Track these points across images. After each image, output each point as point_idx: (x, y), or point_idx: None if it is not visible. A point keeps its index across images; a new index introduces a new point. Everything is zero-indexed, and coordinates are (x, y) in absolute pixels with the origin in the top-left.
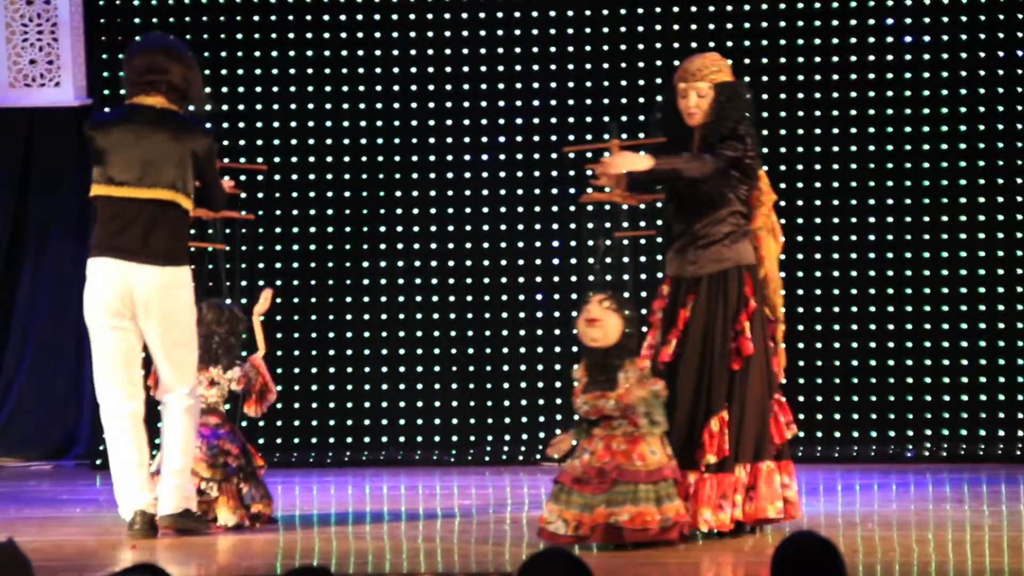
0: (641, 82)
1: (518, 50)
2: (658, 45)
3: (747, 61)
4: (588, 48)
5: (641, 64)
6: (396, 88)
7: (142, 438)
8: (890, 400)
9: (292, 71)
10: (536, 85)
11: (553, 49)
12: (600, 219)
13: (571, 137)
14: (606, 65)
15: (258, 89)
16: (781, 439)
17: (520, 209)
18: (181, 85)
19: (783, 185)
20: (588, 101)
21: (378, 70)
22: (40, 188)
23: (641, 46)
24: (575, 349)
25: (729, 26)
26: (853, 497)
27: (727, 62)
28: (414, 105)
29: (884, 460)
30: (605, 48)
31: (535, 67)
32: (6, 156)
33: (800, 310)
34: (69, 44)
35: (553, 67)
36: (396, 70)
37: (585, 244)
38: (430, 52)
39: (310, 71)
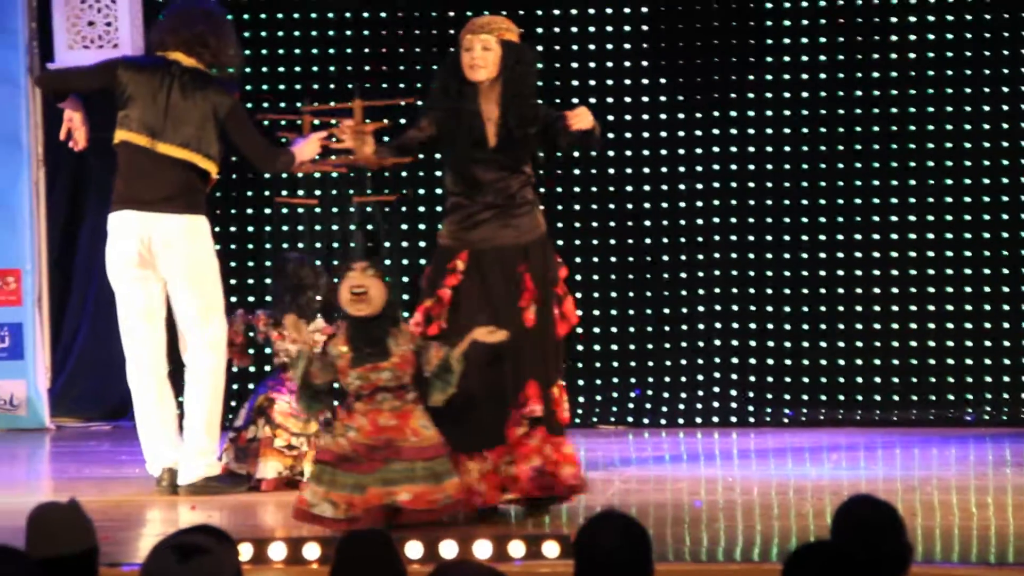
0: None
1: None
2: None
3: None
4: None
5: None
6: None
7: (167, 395)
8: (950, 363)
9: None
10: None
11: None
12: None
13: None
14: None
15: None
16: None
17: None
18: (212, 46)
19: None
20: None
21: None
22: (98, 150)
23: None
24: (631, 312)
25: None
26: (912, 460)
27: (517, 28)
28: None
29: (944, 424)
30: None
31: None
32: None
33: (858, 273)
34: (127, 5)
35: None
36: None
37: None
38: None
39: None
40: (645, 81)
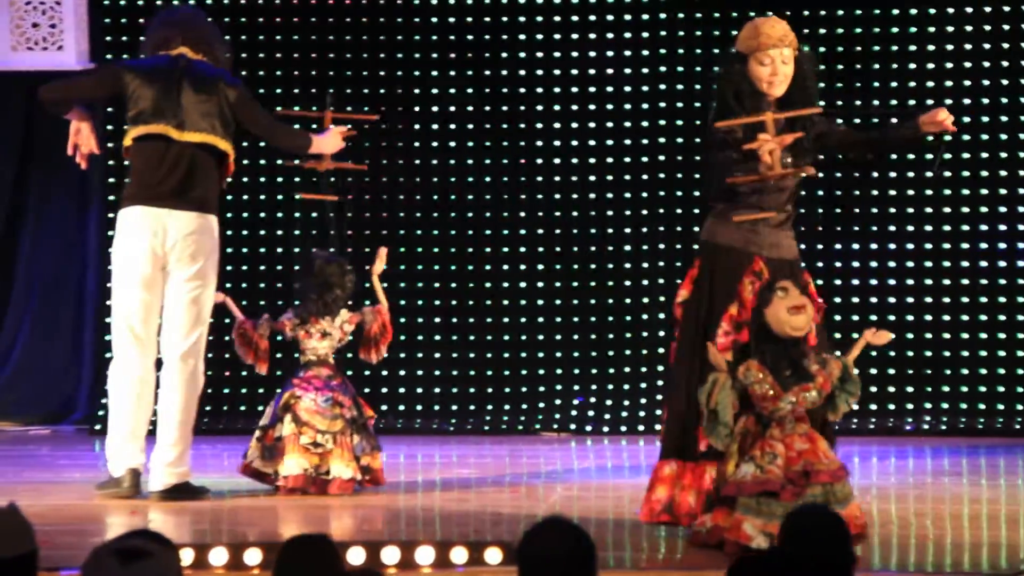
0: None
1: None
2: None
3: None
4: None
5: None
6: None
7: (147, 404)
8: (890, 373)
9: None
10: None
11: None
12: None
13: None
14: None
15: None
16: None
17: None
18: (216, 49)
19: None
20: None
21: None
22: (41, 153)
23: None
24: (575, 319)
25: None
26: (852, 470)
27: None
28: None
29: (883, 433)
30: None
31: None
32: (8, 120)
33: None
34: (72, 7)
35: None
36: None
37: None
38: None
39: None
40: None
